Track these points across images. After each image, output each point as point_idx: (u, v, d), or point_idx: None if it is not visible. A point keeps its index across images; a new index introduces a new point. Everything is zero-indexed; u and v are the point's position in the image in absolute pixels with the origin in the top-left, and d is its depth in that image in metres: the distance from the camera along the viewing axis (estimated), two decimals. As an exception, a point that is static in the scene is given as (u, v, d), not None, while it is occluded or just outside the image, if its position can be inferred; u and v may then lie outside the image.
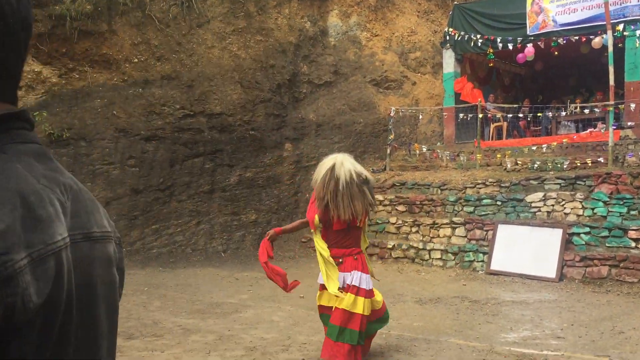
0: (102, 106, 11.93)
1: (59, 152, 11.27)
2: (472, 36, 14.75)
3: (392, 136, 14.05)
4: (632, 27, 12.48)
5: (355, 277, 4.84)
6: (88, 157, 11.56)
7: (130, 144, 11.99)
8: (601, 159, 11.07)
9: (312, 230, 5.14)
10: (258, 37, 14.18)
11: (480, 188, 11.45)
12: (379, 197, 12.39)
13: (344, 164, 4.93)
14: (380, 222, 11.92)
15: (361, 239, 5.19)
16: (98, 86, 12.02)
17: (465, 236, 10.79)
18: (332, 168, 4.89)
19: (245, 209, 13.05)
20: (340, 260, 4.91)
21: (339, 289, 4.82)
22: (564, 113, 13.56)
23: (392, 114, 14.14)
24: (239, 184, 13.01)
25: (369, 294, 4.88)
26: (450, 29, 15.32)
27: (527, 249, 9.83)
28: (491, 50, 14.57)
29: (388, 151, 13.97)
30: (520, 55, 14.24)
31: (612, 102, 11.52)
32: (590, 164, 11.10)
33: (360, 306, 4.78)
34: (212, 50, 13.45)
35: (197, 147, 12.71)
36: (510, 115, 14.05)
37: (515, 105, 14.45)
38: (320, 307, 5.11)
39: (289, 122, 14.17)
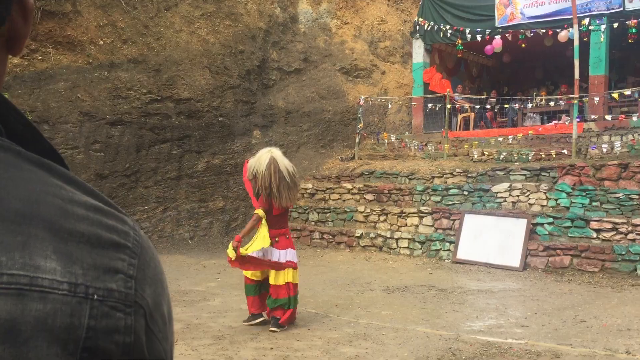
0: (66, 89, 11.62)
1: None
2: (441, 27, 14.83)
3: (361, 125, 14.07)
4: (597, 21, 12.72)
5: (290, 254, 5.94)
6: (51, 141, 11.12)
7: (95, 128, 11.73)
8: (565, 151, 11.30)
9: (263, 221, 5.89)
10: (227, 22, 13.99)
11: (447, 178, 11.57)
12: (348, 185, 12.42)
13: (283, 159, 5.92)
14: (348, 210, 11.95)
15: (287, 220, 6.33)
16: (62, 68, 11.69)
17: (433, 225, 10.91)
18: (275, 162, 5.76)
19: (213, 196, 12.93)
20: (277, 239, 5.89)
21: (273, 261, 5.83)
22: (530, 105, 13.78)
23: (361, 103, 14.16)
24: (206, 170, 12.87)
25: (296, 265, 6.06)
26: (420, 19, 15.37)
27: (492, 239, 10.00)
28: (460, 41, 14.68)
29: (357, 140, 14.00)
30: (488, 47, 14.39)
31: (576, 95, 11.74)
32: (554, 156, 11.31)
33: (297, 277, 6.09)
34: (180, 34, 13.22)
35: (164, 133, 12.51)
36: (478, 106, 14.21)
37: (482, 97, 14.61)
38: (248, 279, 6.08)
39: (257, 109, 14.06)
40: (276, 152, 5.95)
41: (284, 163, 5.87)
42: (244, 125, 13.67)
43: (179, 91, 12.83)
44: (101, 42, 12.19)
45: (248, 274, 6.07)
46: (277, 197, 5.74)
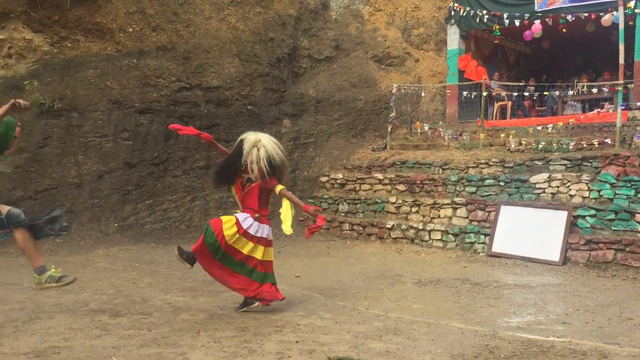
0: (95, 77, 11.56)
1: (50, 123, 10.94)
2: (477, 12, 14.33)
3: (393, 114, 13.71)
4: (644, 4, 12.07)
5: (268, 231, 6.00)
6: (80, 129, 11.21)
7: (124, 117, 11.65)
8: (608, 140, 10.75)
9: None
10: (257, 9, 13.76)
11: (483, 168, 11.15)
12: (379, 175, 12.09)
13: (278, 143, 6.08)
14: (379, 201, 11.63)
15: None
16: (91, 56, 11.63)
17: (467, 217, 10.51)
18: (278, 145, 5.96)
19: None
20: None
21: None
22: (571, 92, 13.19)
23: (393, 91, 13.78)
24: (235, 159, 12.67)
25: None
26: (456, 5, 14.88)
27: (530, 231, 9.56)
28: (497, 27, 14.17)
29: (389, 129, 13.64)
30: (527, 32, 13.84)
31: (621, 82, 11.16)
32: (596, 145, 10.78)
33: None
34: (209, 22, 13.05)
35: (192, 121, 12.36)
36: (515, 95, 13.70)
37: (520, 84, 14.07)
38: (230, 247, 5.81)
39: (287, 98, 13.81)
40: (268, 136, 6.04)
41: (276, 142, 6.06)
42: (273, 114, 13.44)
43: (208, 79, 12.66)
44: (130, 30, 12.09)
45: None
46: (281, 177, 6.00)
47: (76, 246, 10.09)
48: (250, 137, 5.96)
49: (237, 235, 5.79)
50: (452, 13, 15.01)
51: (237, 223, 5.82)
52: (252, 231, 5.88)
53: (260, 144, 5.93)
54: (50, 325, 5.46)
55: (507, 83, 14.60)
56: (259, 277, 5.90)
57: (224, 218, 5.87)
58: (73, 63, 11.50)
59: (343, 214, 12.04)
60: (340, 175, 12.63)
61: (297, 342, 5.03)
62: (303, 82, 14.34)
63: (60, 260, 8.96)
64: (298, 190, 12.94)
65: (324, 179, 12.86)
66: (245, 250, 5.85)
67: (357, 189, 12.26)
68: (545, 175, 10.14)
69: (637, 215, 8.87)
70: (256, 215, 5.92)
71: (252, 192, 6.00)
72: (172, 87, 12.23)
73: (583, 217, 9.33)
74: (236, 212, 6.01)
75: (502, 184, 10.52)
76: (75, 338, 5.06)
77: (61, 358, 4.50)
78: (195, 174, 12.27)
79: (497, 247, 9.77)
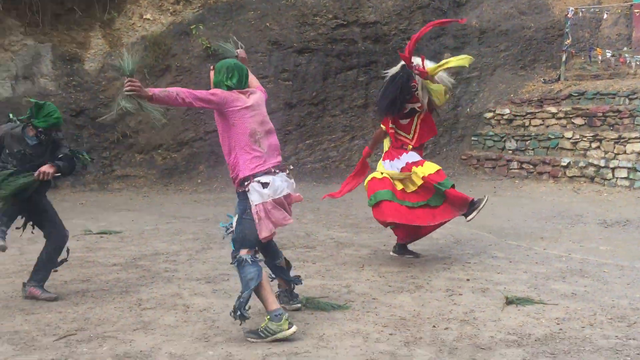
0: (255, 18, 11.69)
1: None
2: None
3: (568, 41, 12.28)
4: None
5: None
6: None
7: (283, 57, 11.70)
8: None
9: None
10: None
11: (681, 96, 9.62)
12: (552, 109, 10.99)
13: None
14: (552, 137, 10.60)
15: None
16: (252, -3, 11.75)
17: (659, 152, 9.19)
18: None
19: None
20: None
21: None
22: None
23: (569, 15, 12.31)
24: (394, 97, 12.26)
25: None
26: None
27: None
28: None
29: (563, 58, 12.28)
30: None
31: None
32: None
33: None
34: (366, -46, 12.51)
35: (350, 60, 12.11)
36: None
37: None
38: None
39: (448, 30, 12.96)
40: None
41: None
42: (433, 48, 12.71)
43: (365, 15, 12.25)
44: (287, -32, 11.98)
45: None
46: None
47: (243, 184, 10.47)
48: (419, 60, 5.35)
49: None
50: None
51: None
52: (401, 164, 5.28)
53: None
54: (221, 255, 5.63)
55: None
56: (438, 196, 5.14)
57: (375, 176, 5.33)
58: (235, 6, 11.71)
59: (510, 151, 11.17)
60: (507, 110, 11.68)
61: (467, 279, 4.66)
62: (465, 11, 13.36)
63: (227, 197, 9.31)
64: (460, 128, 12.24)
65: (488, 114, 11.99)
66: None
67: (527, 124, 11.26)
68: None
69: None
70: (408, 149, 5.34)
71: (425, 122, 5.41)
72: (329, 24, 12.01)
73: None
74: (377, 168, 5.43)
75: None
76: (243, 267, 5.14)
77: (230, 284, 4.58)
78: (354, 113, 12.08)
79: (698, 187, 8.45)
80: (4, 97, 10.30)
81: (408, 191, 5.17)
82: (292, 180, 3.62)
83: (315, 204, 8.59)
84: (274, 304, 3.38)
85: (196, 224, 7.36)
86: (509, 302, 4.00)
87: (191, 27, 11.22)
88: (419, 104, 5.33)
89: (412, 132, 5.45)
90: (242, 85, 3.54)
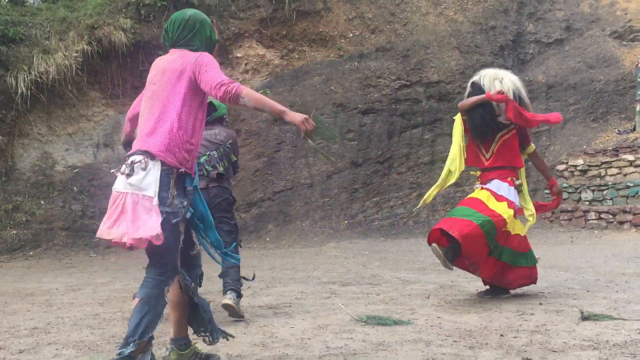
0: (320, 82, 12.10)
1: (283, 129, 11.67)
2: None
3: (641, 91, 11.94)
4: None
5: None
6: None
7: (348, 118, 11.96)
8: None
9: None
10: (476, -2, 13.23)
11: None
12: (630, 157, 10.55)
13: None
14: (631, 184, 10.11)
15: None
16: (316, 64, 12.23)
17: None
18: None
19: (469, 180, 12.15)
20: None
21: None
22: None
23: (640, 65, 12.03)
24: (461, 153, 12.16)
25: None
26: None
27: None
28: None
29: (638, 108, 11.89)
30: None
31: None
32: None
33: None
34: (427, 17, 12.88)
35: (414, 118, 12.21)
36: None
37: None
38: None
39: (514, 86, 12.91)
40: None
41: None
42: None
43: (428, 74, 12.44)
44: (350, 35, 12.46)
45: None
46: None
47: (310, 241, 10.49)
48: (487, 72, 4.86)
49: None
50: None
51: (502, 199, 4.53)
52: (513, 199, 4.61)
53: (500, 75, 4.80)
54: (285, 290, 5.60)
55: None
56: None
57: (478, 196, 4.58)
58: (300, 72, 12.20)
59: (587, 202, 10.70)
60: (580, 162, 11.30)
61: (540, 303, 4.40)
62: (530, 68, 13.32)
63: (295, 251, 9.38)
64: (532, 182, 11.89)
65: (561, 167, 11.63)
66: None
67: (603, 174, 10.82)
68: None
69: None
70: (517, 181, 4.74)
71: (510, 142, 4.76)
72: (393, 85, 12.25)
73: None
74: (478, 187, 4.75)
75: None
76: (306, 298, 5.10)
77: (292, 310, 4.53)
78: (420, 170, 12.03)
79: None
80: (86, 163, 10.97)
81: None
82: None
83: (382, 254, 8.49)
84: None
85: (262, 271, 7.40)
86: (585, 317, 3.74)
87: (259, 91, 11.74)
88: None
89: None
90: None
